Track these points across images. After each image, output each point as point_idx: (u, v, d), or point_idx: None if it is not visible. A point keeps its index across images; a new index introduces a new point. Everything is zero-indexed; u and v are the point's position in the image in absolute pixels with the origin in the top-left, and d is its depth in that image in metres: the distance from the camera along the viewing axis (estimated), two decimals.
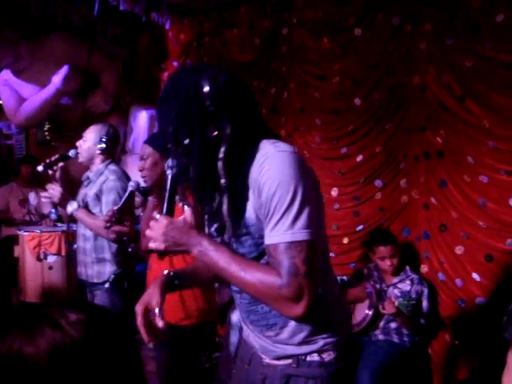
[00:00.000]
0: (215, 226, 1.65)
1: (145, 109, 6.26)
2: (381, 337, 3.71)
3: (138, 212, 4.36)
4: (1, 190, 6.05)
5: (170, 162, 1.61)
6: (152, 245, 1.59)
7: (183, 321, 2.67)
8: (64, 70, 5.51)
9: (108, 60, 6.15)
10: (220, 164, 1.53)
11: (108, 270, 3.32)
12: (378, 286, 3.79)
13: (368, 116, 4.21)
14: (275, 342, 1.67)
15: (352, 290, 3.80)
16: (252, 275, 1.48)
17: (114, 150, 3.59)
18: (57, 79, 5.53)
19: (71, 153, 3.41)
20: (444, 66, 3.81)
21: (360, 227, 4.28)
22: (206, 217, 1.69)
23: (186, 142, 1.53)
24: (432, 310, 3.76)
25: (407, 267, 3.81)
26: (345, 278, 4.21)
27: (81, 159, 3.43)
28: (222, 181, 1.54)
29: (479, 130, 3.64)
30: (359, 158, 4.27)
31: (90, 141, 3.39)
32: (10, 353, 0.81)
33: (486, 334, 3.46)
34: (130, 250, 3.02)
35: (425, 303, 3.70)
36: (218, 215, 1.62)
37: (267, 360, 1.71)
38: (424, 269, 3.97)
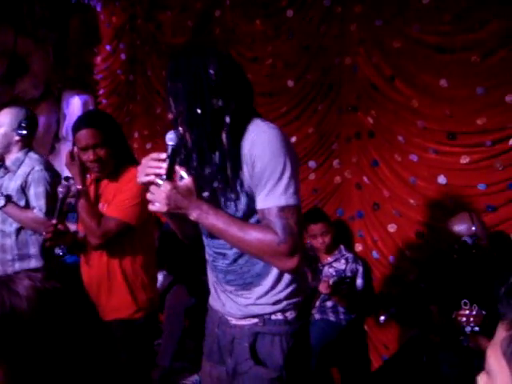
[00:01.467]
0: (206, 192, 1.77)
1: (77, 94, 6.11)
2: (317, 316, 3.75)
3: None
4: None
5: (169, 133, 1.74)
6: (153, 207, 1.70)
7: (135, 314, 2.60)
8: None
9: (37, 44, 5.94)
10: (224, 133, 1.69)
11: (33, 266, 3.06)
12: (313, 265, 3.82)
13: (300, 97, 4.23)
14: (246, 302, 1.82)
15: None
16: (251, 235, 1.66)
17: (33, 137, 3.27)
18: None
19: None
20: (374, 46, 3.87)
21: None
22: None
23: (199, 111, 1.69)
24: (367, 287, 3.83)
25: (342, 246, 3.87)
26: None
27: None
28: (226, 148, 1.70)
29: (408, 110, 3.71)
30: (293, 140, 4.26)
31: (7, 126, 3.10)
32: None
33: (417, 307, 3.54)
34: (60, 253, 2.77)
35: (360, 281, 3.77)
36: (210, 182, 1.75)
37: (234, 321, 1.85)
38: (358, 247, 4.04)
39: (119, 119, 5.85)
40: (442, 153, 3.58)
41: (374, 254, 3.94)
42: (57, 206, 2.62)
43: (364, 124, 3.94)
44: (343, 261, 3.81)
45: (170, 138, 1.74)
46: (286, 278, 1.79)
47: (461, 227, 2.97)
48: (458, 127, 3.51)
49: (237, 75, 1.76)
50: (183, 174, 1.72)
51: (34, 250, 3.09)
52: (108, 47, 5.89)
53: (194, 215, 1.69)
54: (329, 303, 3.74)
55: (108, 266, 2.58)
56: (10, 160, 3.15)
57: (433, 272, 3.22)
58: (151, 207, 1.71)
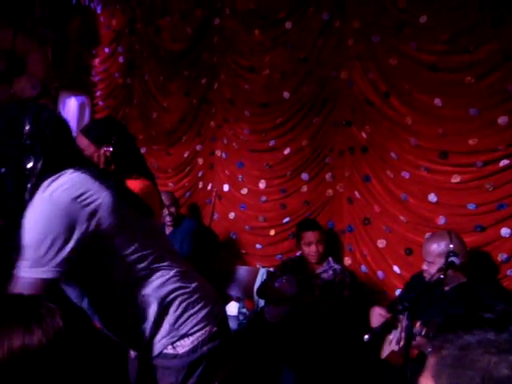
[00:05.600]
0: None
1: (74, 95, 6.09)
2: None
3: None
4: None
5: None
6: None
7: None
8: None
9: (35, 44, 5.93)
10: (27, 195, 1.57)
11: None
12: (300, 277, 3.84)
13: (296, 109, 4.25)
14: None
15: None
16: None
17: None
18: None
19: None
20: (370, 62, 3.90)
21: (286, 219, 4.32)
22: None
23: (2, 171, 1.59)
24: (354, 299, 3.84)
25: (330, 258, 3.89)
26: (271, 269, 4.26)
27: None
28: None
29: (402, 127, 3.74)
30: (286, 151, 4.31)
31: None
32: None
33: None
34: None
35: (346, 293, 3.78)
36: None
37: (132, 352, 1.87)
38: (348, 261, 4.06)
39: None
40: (434, 171, 3.61)
41: (363, 268, 3.96)
42: None
43: (358, 139, 3.97)
44: (331, 272, 3.82)
45: None
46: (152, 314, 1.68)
47: (439, 244, 3.00)
48: (450, 146, 3.54)
49: (54, 133, 1.64)
50: None
51: None
52: (107, 50, 5.89)
53: None
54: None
55: None
56: None
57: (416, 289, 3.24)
58: None
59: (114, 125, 2.65)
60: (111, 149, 2.47)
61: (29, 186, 1.57)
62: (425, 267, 3.07)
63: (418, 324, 2.70)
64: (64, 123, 1.71)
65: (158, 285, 1.67)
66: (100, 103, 6.04)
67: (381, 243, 3.86)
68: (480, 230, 3.43)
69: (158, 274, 1.68)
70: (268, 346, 3.66)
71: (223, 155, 4.71)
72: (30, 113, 1.63)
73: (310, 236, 3.82)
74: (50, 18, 5.94)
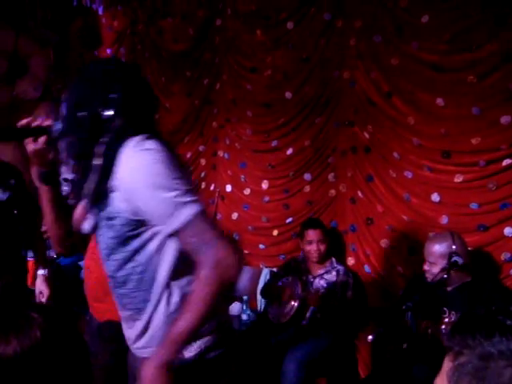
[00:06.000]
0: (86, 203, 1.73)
1: None
2: (307, 327, 3.76)
3: None
4: None
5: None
6: None
7: None
8: None
9: (38, 45, 5.93)
10: (101, 148, 1.62)
11: None
12: (303, 277, 3.84)
13: (298, 109, 4.25)
14: (138, 329, 1.77)
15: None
16: (195, 303, 1.55)
17: None
18: None
19: None
20: (372, 62, 3.89)
21: (289, 220, 4.33)
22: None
23: (81, 114, 1.63)
24: (358, 300, 3.84)
25: (333, 259, 3.89)
26: (274, 269, 4.26)
27: None
28: (97, 162, 1.62)
29: (404, 127, 3.74)
30: (289, 152, 4.31)
31: None
32: None
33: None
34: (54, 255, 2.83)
35: (349, 293, 3.78)
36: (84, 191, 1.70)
37: (133, 346, 1.83)
38: (351, 261, 4.06)
39: None
40: (437, 171, 3.60)
41: (366, 268, 3.96)
42: None
43: (360, 139, 3.96)
44: (334, 273, 3.82)
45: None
46: (173, 308, 1.69)
47: (442, 245, 3.02)
48: (453, 146, 3.54)
49: (139, 93, 1.70)
50: None
51: None
52: (108, 51, 5.89)
53: (168, 358, 1.56)
54: (319, 315, 3.75)
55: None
56: None
57: (418, 289, 3.24)
58: None
59: None
60: None
61: (105, 139, 1.62)
62: (426, 267, 3.08)
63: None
64: (151, 91, 1.77)
65: (187, 281, 1.68)
66: None
67: (384, 243, 3.86)
68: (483, 229, 3.43)
69: (191, 270, 1.67)
70: (270, 346, 3.68)
71: (226, 156, 4.71)
72: (125, 71, 1.72)
73: (311, 234, 3.83)
74: (52, 19, 5.95)
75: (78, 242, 2.21)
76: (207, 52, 4.86)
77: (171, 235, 1.60)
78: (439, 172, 3.60)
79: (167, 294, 1.68)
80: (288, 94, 4.30)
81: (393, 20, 3.76)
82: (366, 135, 3.93)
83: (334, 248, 3.99)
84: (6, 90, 5.76)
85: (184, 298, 1.65)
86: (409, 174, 3.72)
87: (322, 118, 4.16)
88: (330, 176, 4.15)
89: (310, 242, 3.82)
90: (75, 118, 1.64)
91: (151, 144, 1.59)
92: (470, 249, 3.21)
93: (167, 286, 1.68)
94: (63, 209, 1.86)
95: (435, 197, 3.61)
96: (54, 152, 1.76)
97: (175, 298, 1.68)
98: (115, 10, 5.75)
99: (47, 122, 1.71)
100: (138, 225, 1.63)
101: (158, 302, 1.69)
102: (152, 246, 1.66)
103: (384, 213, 3.86)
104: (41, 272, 3.26)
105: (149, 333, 1.73)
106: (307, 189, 4.25)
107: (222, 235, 1.62)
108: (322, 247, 3.82)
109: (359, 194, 3.99)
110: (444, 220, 3.57)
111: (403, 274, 3.77)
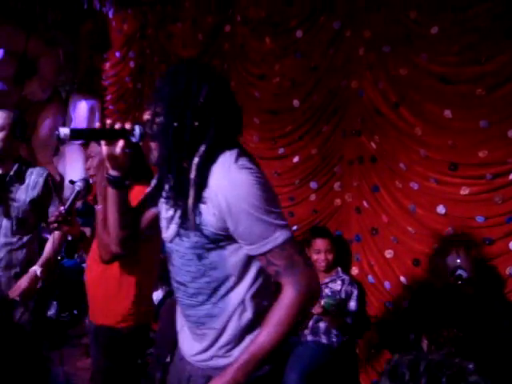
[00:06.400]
0: (170, 211, 1.71)
1: (85, 98, 6.14)
2: (309, 337, 3.75)
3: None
4: None
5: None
6: None
7: (120, 323, 2.63)
8: None
9: (48, 46, 5.97)
10: (196, 159, 1.60)
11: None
12: None
13: (306, 118, 4.26)
14: (202, 343, 1.74)
15: None
16: (277, 323, 1.57)
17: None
18: None
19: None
20: (381, 72, 3.89)
21: (294, 227, 4.32)
22: (164, 199, 1.75)
23: (176, 124, 1.60)
24: (360, 310, 3.84)
25: (339, 268, 3.88)
26: None
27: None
28: (193, 174, 1.60)
29: (412, 138, 3.73)
30: (295, 159, 4.31)
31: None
32: None
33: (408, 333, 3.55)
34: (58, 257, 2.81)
35: (353, 303, 3.77)
36: (174, 202, 1.68)
37: (191, 358, 1.78)
38: (355, 271, 4.05)
39: None
40: (443, 183, 3.59)
41: (370, 278, 3.95)
42: (70, 197, 2.68)
43: (367, 149, 3.96)
44: (339, 282, 3.82)
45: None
46: (245, 323, 1.68)
47: (447, 259, 3.02)
48: (460, 158, 3.53)
49: (226, 103, 1.67)
50: None
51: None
52: (118, 54, 5.93)
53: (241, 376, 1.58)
54: (321, 324, 3.74)
55: (105, 273, 2.60)
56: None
57: (424, 301, 3.24)
58: None
59: None
60: None
61: (202, 148, 1.60)
62: None
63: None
64: (238, 105, 1.73)
65: (261, 299, 1.69)
66: (110, 107, 6.08)
67: (388, 253, 3.85)
68: (488, 242, 3.41)
69: (268, 290, 1.71)
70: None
71: None
72: (210, 79, 1.65)
73: (319, 243, 3.82)
74: (62, 21, 5.99)
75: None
76: (216, 58, 4.88)
77: (258, 255, 1.60)
78: (445, 184, 3.59)
79: (240, 311, 1.68)
80: (296, 102, 4.31)
81: (402, 31, 3.76)
82: (373, 145, 3.92)
83: (339, 257, 3.98)
84: (15, 91, 5.80)
85: (258, 315, 1.67)
86: (415, 185, 3.72)
87: (329, 127, 4.16)
88: (336, 185, 4.14)
89: (318, 251, 3.81)
90: (167, 128, 1.61)
91: (246, 162, 1.60)
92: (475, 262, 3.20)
93: (242, 302, 1.67)
94: (128, 212, 1.85)
95: (441, 209, 3.59)
96: (129, 157, 1.74)
97: (248, 315, 1.68)
98: (125, 13, 5.79)
99: (128, 126, 1.69)
100: (220, 239, 1.63)
101: (230, 317, 1.68)
102: (231, 263, 1.66)
103: (389, 223, 3.85)
104: (36, 269, 3.04)
105: (217, 346, 1.71)
106: (313, 197, 4.24)
107: (307, 260, 1.64)
108: (330, 257, 3.82)
109: (365, 203, 3.98)
110: (449, 232, 3.55)
111: (406, 285, 3.75)
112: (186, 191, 1.61)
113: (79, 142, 3.13)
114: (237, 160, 1.58)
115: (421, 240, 3.69)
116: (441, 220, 3.61)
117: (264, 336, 1.57)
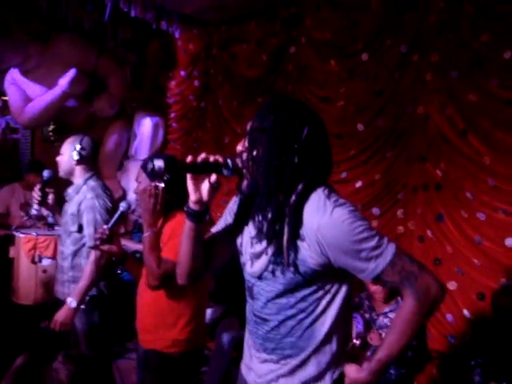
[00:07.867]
0: (258, 245, 1.72)
1: (149, 116, 6.26)
2: None
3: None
4: (3, 191, 5.69)
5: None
6: None
7: (170, 348, 2.64)
8: (71, 72, 5.52)
9: (116, 65, 6.14)
10: (294, 197, 1.63)
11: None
12: (367, 315, 3.75)
13: (369, 142, 4.19)
14: (277, 374, 1.74)
15: None
16: (402, 328, 1.62)
17: (93, 161, 3.40)
18: (64, 82, 5.53)
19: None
20: (448, 98, 3.79)
21: None
22: (254, 234, 1.75)
23: (277, 163, 1.63)
24: (420, 343, 3.72)
25: (399, 298, 3.77)
26: None
27: (60, 173, 3.32)
28: (289, 212, 1.63)
29: (479, 166, 3.60)
30: (358, 184, 4.24)
31: (66, 154, 3.27)
32: None
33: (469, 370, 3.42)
34: (118, 271, 2.87)
35: None
36: (265, 237, 1.69)
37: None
38: None
39: (187, 144, 5.98)
40: None
41: None
42: (114, 216, 2.74)
43: (432, 176, 3.85)
44: None
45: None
46: (330, 358, 1.70)
47: None
48: None
49: (323, 143, 1.70)
50: None
51: None
52: (183, 73, 6.03)
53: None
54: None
55: (156, 300, 2.61)
56: (71, 187, 3.31)
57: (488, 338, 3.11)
58: None
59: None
60: (162, 185, 2.52)
61: (300, 187, 1.63)
62: None
63: None
64: (326, 134, 1.75)
65: (346, 332, 1.75)
66: (173, 125, 6.18)
67: (451, 285, 3.72)
68: None
69: (349, 321, 1.77)
70: None
71: None
72: (311, 118, 1.68)
73: None
74: (131, 40, 6.15)
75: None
76: (280, 79, 4.88)
77: (372, 279, 1.63)
78: None
79: (326, 343, 1.70)
80: (360, 126, 4.25)
81: (472, 55, 3.65)
82: (439, 172, 3.82)
83: None
84: (84, 107, 5.98)
85: (342, 347, 1.71)
86: (482, 216, 3.58)
87: (394, 153, 4.08)
88: (399, 212, 4.05)
89: None
90: (268, 164, 1.63)
91: (338, 197, 1.64)
92: None
93: (329, 334, 1.69)
94: (201, 246, 1.83)
95: (509, 241, 3.45)
96: (215, 191, 1.70)
97: (333, 347, 1.70)
98: (191, 33, 5.88)
99: (220, 159, 1.65)
100: (316, 276, 1.65)
101: (314, 350, 1.70)
102: (320, 294, 1.68)
103: (453, 254, 3.72)
104: (72, 304, 3.07)
105: (298, 376, 1.72)
106: (375, 223, 4.15)
107: (420, 265, 1.64)
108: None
109: (428, 232, 3.87)
110: None
111: (470, 319, 3.61)
112: (282, 228, 1.63)
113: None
114: (329, 196, 1.62)
115: (487, 273, 3.55)
116: (509, 254, 3.46)
117: (391, 342, 1.62)
